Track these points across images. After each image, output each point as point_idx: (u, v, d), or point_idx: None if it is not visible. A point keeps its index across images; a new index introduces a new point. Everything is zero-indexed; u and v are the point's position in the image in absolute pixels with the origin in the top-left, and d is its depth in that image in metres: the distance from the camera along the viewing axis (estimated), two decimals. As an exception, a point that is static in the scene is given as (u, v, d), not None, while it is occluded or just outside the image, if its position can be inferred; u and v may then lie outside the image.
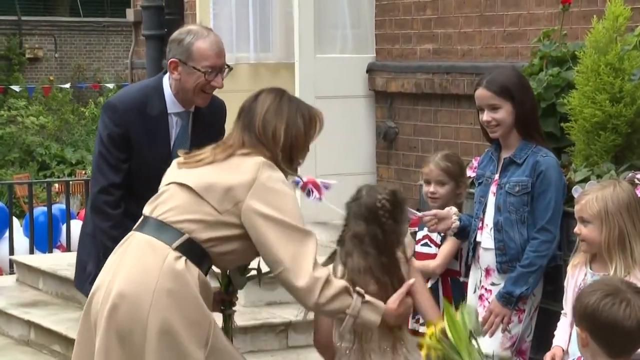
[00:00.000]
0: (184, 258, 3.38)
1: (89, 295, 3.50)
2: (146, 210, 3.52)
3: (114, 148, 4.10)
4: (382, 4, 7.23)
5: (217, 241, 3.42)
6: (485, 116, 4.16)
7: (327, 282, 3.37)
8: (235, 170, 3.43)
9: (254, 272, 3.81)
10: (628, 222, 3.56)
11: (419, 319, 4.49)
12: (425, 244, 4.54)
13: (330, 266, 3.55)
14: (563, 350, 3.65)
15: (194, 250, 3.40)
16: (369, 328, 3.48)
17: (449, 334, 3.09)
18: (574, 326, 2.93)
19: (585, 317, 2.75)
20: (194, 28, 4.17)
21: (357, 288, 3.42)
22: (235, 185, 3.40)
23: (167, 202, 3.46)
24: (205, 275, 3.47)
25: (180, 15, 8.59)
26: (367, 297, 3.43)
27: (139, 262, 3.40)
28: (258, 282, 3.84)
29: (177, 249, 3.39)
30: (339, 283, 3.41)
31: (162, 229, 3.42)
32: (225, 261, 3.52)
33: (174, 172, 3.56)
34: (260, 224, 3.37)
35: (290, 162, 3.55)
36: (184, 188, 3.45)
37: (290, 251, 3.36)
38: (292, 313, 6.03)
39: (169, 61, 4.12)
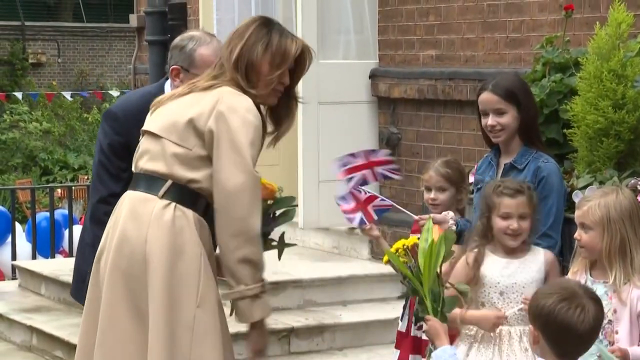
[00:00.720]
0: (173, 205, 3.38)
1: (94, 264, 3.53)
2: (133, 167, 3.56)
3: (114, 157, 4.07)
4: (385, 10, 7.24)
5: (200, 181, 3.39)
6: (491, 120, 4.15)
7: (257, 240, 3.34)
8: (197, 103, 3.42)
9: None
10: (630, 230, 3.55)
11: (421, 326, 4.49)
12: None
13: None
14: None
15: (181, 194, 3.39)
16: (245, 317, 3.41)
17: (419, 256, 3.17)
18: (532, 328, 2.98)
19: (540, 318, 2.83)
20: (196, 34, 4.16)
21: (265, 283, 3.39)
22: (195, 117, 3.39)
23: (145, 153, 3.48)
24: (205, 214, 3.42)
25: (184, 21, 8.60)
26: (265, 296, 3.39)
27: (133, 217, 3.43)
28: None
29: (164, 196, 3.39)
30: (261, 251, 3.38)
31: (148, 181, 3.44)
32: None
33: (148, 118, 3.59)
34: (216, 149, 3.35)
35: (251, 84, 3.46)
36: (151, 135, 3.48)
37: (235, 179, 3.33)
38: (294, 319, 6.03)
39: (171, 68, 4.10)
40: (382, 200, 4.25)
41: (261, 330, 3.45)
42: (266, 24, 3.53)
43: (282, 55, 3.49)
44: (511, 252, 3.86)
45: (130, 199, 3.47)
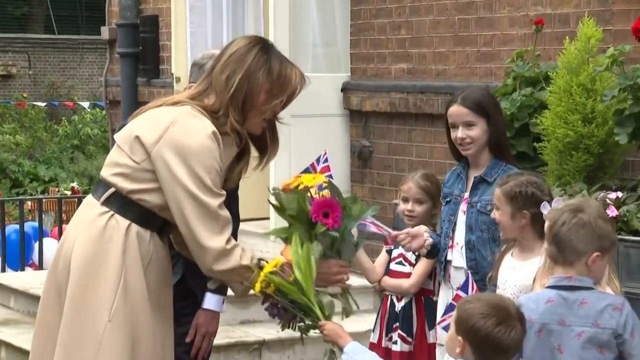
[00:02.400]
0: (110, 213, 3.33)
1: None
2: None
3: None
4: (357, 24, 7.27)
5: (142, 193, 3.31)
6: (460, 133, 4.17)
7: (227, 252, 3.26)
8: (154, 120, 3.33)
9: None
10: (600, 242, 3.57)
11: (391, 337, 4.50)
12: (400, 263, 4.55)
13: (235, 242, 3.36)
14: None
15: (121, 204, 3.33)
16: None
17: (295, 270, 3.19)
18: (454, 332, 3.06)
19: (475, 338, 2.97)
20: (217, 52, 4.15)
21: (262, 262, 3.30)
22: (143, 134, 3.30)
23: (107, 159, 3.45)
24: (150, 226, 3.34)
25: (156, 34, 8.59)
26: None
27: (75, 221, 3.43)
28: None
29: (104, 203, 3.35)
30: (235, 260, 3.27)
31: (98, 186, 3.42)
32: (169, 214, 3.34)
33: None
34: (164, 177, 3.25)
35: (242, 116, 3.33)
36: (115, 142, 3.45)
37: (186, 218, 3.25)
38: (266, 332, 6.02)
39: (189, 85, 4.02)
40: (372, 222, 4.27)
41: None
42: (266, 50, 3.38)
43: (282, 85, 3.36)
44: (524, 254, 3.85)
45: (83, 202, 3.47)
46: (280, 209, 3.36)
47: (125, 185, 3.32)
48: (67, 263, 3.36)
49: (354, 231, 3.44)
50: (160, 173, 3.26)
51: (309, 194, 3.35)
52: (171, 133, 3.27)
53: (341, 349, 3.31)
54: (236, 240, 3.40)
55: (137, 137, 3.31)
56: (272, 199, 3.44)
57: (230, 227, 3.29)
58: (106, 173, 3.39)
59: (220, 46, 8.38)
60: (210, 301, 4.03)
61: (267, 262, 3.31)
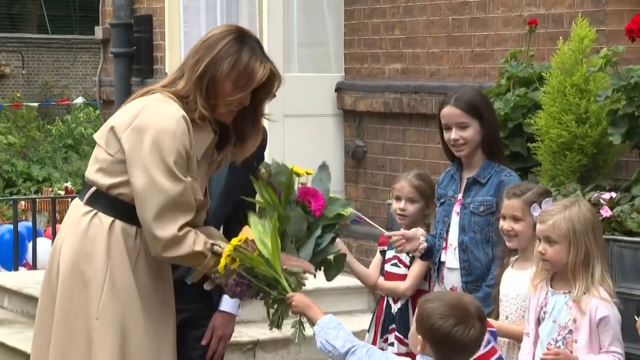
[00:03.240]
0: (93, 212, 3.32)
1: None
2: None
3: None
4: (351, 24, 7.27)
5: (119, 186, 3.30)
6: (454, 134, 4.16)
7: (178, 240, 3.23)
8: (127, 110, 3.34)
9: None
10: (593, 241, 3.58)
11: (387, 338, 4.50)
12: (395, 264, 4.54)
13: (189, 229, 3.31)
14: None
15: (102, 201, 3.32)
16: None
17: (259, 245, 3.18)
18: (415, 330, 3.08)
19: (434, 337, 3.00)
20: None
21: (215, 247, 3.27)
22: (117, 124, 3.31)
23: (90, 159, 3.45)
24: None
25: (150, 33, 8.58)
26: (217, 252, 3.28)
27: (65, 222, 3.43)
28: (326, 276, 3.51)
29: (87, 203, 3.35)
30: (188, 246, 3.23)
31: (85, 186, 3.43)
32: None
33: None
34: (128, 157, 3.25)
35: (208, 102, 3.31)
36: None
37: (145, 200, 3.23)
38: (259, 332, 6.01)
39: None
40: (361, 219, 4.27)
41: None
42: (240, 40, 3.35)
43: (247, 78, 3.33)
44: (525, 263, 3.86)
45: (71, 204, 3.48)
46: (262, 186, 3.34)
47: (104, 181, 3.32)
48: (57, 265, 3.37)
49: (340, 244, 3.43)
50: (126, 155, 3.26)
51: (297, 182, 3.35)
52: (139, 119, 3.27)
53: (312, 323, 3.26)
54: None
55: (112, 128, 3.32)
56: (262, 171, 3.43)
57: (188, 214, 3.25)
58: (89, 172, 3.40)
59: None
60: (227, 304, 4.00)
61: (220, 246, 3.28)
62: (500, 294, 3.90)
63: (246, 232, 3.35)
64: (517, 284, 3.86)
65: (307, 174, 3.42)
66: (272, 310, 3.40)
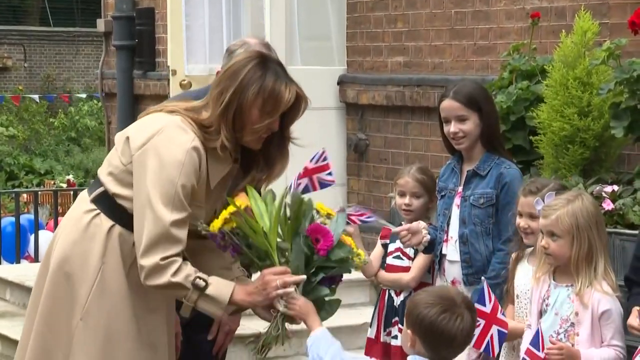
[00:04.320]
0: (96, 211, 3.31)
1: None
2: None
3: None
4: (353, 17, 7.26)
5: (124, 199, 3.29)
6: (453, 127, 4.16)
7: (159, 268, 3.19)
8: (147, 125, 3.31)
9: None
10: (596, 235, 3.58)
11: (390, 331, 4.50)
12: (398, 257, 4.54)
13: (177, 259, 3.26)
14: None
15: (107, 204, 3.31)
16: (214, 315, 3.34)
17: (257, 218, 3.18)
18: (405, 326, 3.07)
19: (421, 327, 2.99)
20: (250, 41, 4.03)
21: (198, 280, 3.20)
22: (133, 137, 3.28)
23: (107, 156, 3.44)
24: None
25: (152, 26, 8.58)
26: (209, 291, 3.21)
27: (68, 214, 3.42)
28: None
29: (93, 201, 3.34)
30: (166, 277, 3.18)
31: (94, 181, 3.41)
32: None
33: None
34: (135, 181, 3.23)
35: (234, 133, 3.25)
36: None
37: (140, 224, 3.21)
38: (261, 325, 6.01)
39: (217, 71, 3.89)
40: (369, 216, 4.26)
41: (240, 296, 3.29)
42: (262, 65, 3.29)
43: (274, 103, 3.26)
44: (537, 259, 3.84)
45: (79, 196, 3.47)
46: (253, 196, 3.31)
47: (112, 187, 3.31)
48: (50, 256, 3.37)
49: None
50: (134, 176, 3.26)
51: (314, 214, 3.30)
52: (154, 141, 3.25)
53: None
54: None
55: (127, 139, 3.31)
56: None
57: (177, 246, 3.21)
58: (101, 171, 3.39)
59: (217, 39, 8.34)
60: None
61: (203, 279, 3.23)
62: (517, 290, 3.89)
63: (243, 199, 3.29)
64: (521, 278, 3.86)
65: (329, 215, 3.34)
66: (272, 331, 3.35)
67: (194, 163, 3.23)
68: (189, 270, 3.22)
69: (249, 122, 3.27)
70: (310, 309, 3.26)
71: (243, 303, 3.29)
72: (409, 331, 3.03)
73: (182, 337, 3.66)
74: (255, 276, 3.40)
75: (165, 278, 3.19)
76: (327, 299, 3.34)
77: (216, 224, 3.26)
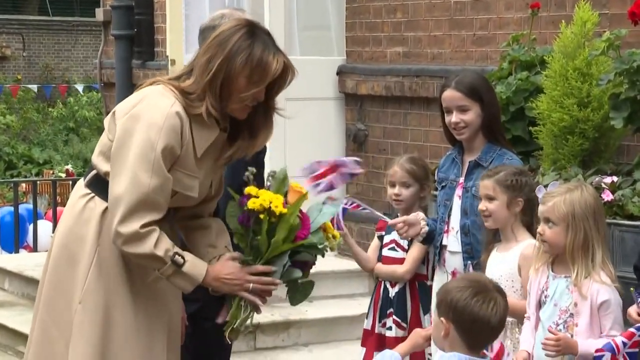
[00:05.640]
0: (90, 195, 3.31)
1: None
2: None
3: None
4: (352, 7, 7.24)
5: None
6: (454, 117, 4.16)
7: (139, 237, 3.17)
8: (130, 98, 3.31)
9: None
10: (593, 226, 3.58)
11: (385, 322, 4.50)
12: (392, 249, 4.55)
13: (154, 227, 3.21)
14: (529, 354, 3.67)
15: (100, 186, 3.30)
16: (182, 289, 3.33)
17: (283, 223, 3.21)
18: (437, 317, 3.05)
19: (456, 311, 2.97)
20: (225, 12, 4.01)
21: (177, 257, 3.20)
22: (118, 110, 3.29)
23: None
24: None
25: (150, 16, 8.56)
26: (185, 268, 3.21)
27: (68, 202, 3.43)
28: (290, 299, 3.41)
29: (87, 185, 3.34)
30: (148, 247, 3.17)
31: (88, 168, 3.41)
32: None
33: None
34: (115, 145, 3.22)
35: (220, 101, 3.24)
36: None
37: (118, 188, 3.19)
38: (260, 315, 6.02)
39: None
40: (364, 208, 4.26)
41: (211, 277, 3.28)
42: (251, 34, 3.27)
43: (261, 72, 3.25)
44: (507, 244, 3.91)
45: (76, 184, 3.48)
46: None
47: (102, 166, 3.31)
48: (52, 245, 3.40)
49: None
50: (115, 141, 3.24)
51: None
52: (136, 109, 3.25)
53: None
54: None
55: (113, 113, 3.31)
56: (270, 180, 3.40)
57: (156, 213, 3.20)
58: (93, 155, 3.39)
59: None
60: None
61: (182, 256, 3.22)
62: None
63: (292, 196, 3.29)
64: (501, 266, 3.89)
65: (301, 192, 3.33)
66: (241, 314, 3.35)
67: (175, 127, 3.21)
68: (167, 243, 3.22)
69: (235, 91, 3.26)
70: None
71: (209, 285, 3.29)
72: (442, 319, 3.00)
73: (187, 322, 3.65)
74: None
75: (146, 248, 3.18)
76: (300, 281, 3.35)
77: (265, 201, 3.22)
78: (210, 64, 3.25)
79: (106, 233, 3.28)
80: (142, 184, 3.17)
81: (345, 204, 4.33)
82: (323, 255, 3.37)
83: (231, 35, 3.27)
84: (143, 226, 3.18)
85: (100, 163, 3.32)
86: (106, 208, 3.28)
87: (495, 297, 2.99)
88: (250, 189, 3.29)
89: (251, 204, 3.25)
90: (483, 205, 3.92)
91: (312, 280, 3.39)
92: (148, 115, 3.21)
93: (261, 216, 3.26)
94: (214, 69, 3.24)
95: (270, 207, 3.25)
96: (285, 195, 3.33)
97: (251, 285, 3.28)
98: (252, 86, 3.26)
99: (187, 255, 3.25)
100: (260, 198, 3.26)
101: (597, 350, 3.34)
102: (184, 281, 3.25)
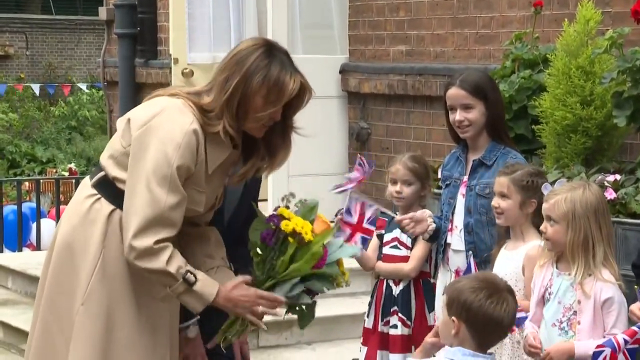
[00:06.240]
0: (97, 196, 3.31)
1: None
2: None
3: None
4: (355, 5, 7.24)
5: (124, 183, 3.26)
6: (458, 115, 4.16)
7: (153, 252, 3.16)
8: (148, 107, 3.30)
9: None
10: (594, 226, 3.58)
11: (388, 321, 4.50)
12: (395, 247, 4.54)
13: (168, 244, 3.21)
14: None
15: (108, 189, 3.30)
16: (192, 309, 3.31)
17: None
18: (446, 316, 3.05)
19: (469, 312, 2.98)
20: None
21: (189, 275, 3.18)
22: (135, 118, 3.27)
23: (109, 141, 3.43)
24: None
25: (153, 15, 8.57)
26: (197, 287, 3.19)
27: (71, 200, 3.42)
28: (299, 323, 3.42)
29: (94, 186, 3.34)
30: (160, 263, 3.16)
31: (95, 168, 3.41)
32: None
33: None
34: (131, 160, 3.22)
35: (237, 120, 3.25)
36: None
37: (133, 203, 3.19)
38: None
39: None
40: (370, 205, 4.28)
41: (222, 298, 3.26)
42: (269, 54, 3.28)
43: (278, 92, 3.26)
44: (516, 243, 3.92)
45: (81, 182, 3.47)
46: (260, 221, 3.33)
47: (112, 170, 3.31)
48: (54, 243, 3.38)
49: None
50: (131, 154, 3.24)
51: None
52: (154, 122, 3.24)
53: None
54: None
55: (129, 120, 3.30)
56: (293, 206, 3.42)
57: (170, 229, 3.20)
58: (102, 155, 3.39)
59: (221, 27, 8.30)
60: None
61: (195, 276, 3.21)
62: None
63: (318, 227, 3.32)
64: (508, 264, 3.89)
65: (326, 225, 3.36)
66: (237, 326, 3.35)
67: (191, 145, 3.22)
68: (180, 261, 3.21)
69: (252, 110, 3.26)
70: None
71: (220, 305, 3.28)
72: (453, 319, 3.00)
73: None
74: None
75: (158, 264, 3.18)
76: (304, 305, 3.37)
77: (297, 226, 3.25)
78: (227, 83, 3.25)
79: (111, 236, 3.28)
80: (158, 200, 3.17)
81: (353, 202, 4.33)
82: (329, 289, 3.38)
83: (249, 54, 3.28)
84: (157, 242, 3.17)
85: (109, 167, 3.32)
86: (112, 211, 3.29)
87: (506, 297, 3.01)
88: (283, 211, 3.31)
89: (284, 225, 3.27)
90: (496, 202, 3.93)
91: (314, 301, 3.40)
92: (167, 130, 3.21)
93: (290, 239, 3.27)
94: (231, 88, 3.24)
95: (301, 233, 3.26)
96: (311, 223, 3.35)
97: (260, 308, 3.27)
98: (269, 106, 3.27)
99: (199, 274, 3.23)
100: (292, 222, 3.27)
101: (597, 346, 3.35)
102: (194, 300, 3.23)
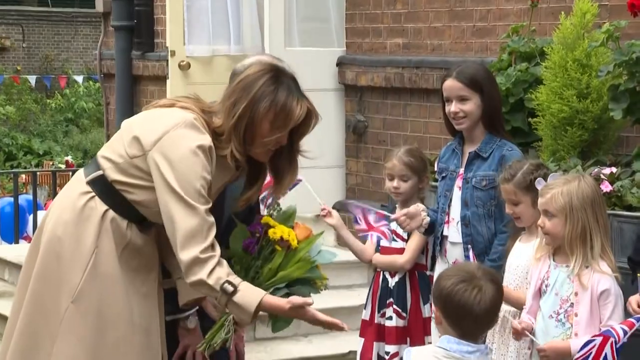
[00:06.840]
0: (91, 194, 3.30)
1: None
2: None
3: None
4: (352, -2, 7.24)
5: (128, 186, 3.28)
6: (454, 107, 4.17)
7: (199, 262, 3.17)
8: (159, 119, 3.30)
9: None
10: (591, 217, 3.60)
11: (384, 312, 4.51)
12: (392, 239, 4.55)
13: (211, 254, 3.21)
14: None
15: (104, 188, 3.30)
16: (241, 321, 3.33)
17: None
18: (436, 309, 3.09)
19: (440, 299, 3.01)
20: (263, 58, 4.03)
21: (226, 285, 3.17)
22: (143, 134, 3.26)
23: (111, 138, 3.42)
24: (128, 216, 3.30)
25: (150, 7, 8.56)
26: (236, 297, 3.18)
27: (62, 192, 3.41)
28: (272, 326, 3.46)
29: (89, 182, 3.33)
30: (203, 274, 3.16)
31: (92, 161, 3.40)
32: (147, 213, 3.32)
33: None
34: (157, 179, 3.22)
35: (244, 145, 3.28)
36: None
37: (172, 221, 3.20)
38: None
39: None
40: (369, 210, 4.32)
41: (280, 311, 3.30)
42: (276, 79, 3.32)
43: (285, 118, 3.28)
44: (530, 237, 3.92)
45: (75, 175, 3.45)
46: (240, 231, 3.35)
47: (112, 173, 3.30)
48: (42, 233, 3.36)
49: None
50: (154, 176, 3.25)
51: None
52: (168, 138, 3.24)
53: None
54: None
55: (136, 137, 3.28)
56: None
57: (212, 232, 3.21)
58: (101, 153, 3.37)
59: (219, 20, 8.26)
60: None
61: (235, 286, 3.19)
62: (506, 265, 3.95)
63: (301, 233, 3.33)
64: (520, 256, 3.90)
65: (308, 231, 3.39)
66: (222, 333, 3.35)
67: (207, 161, 3.24)
68: (221, 272, 3.19)
69: (258, 135, 3.29)
70: None
71: (270, 311, 3.30)
72: (435, 307, 3.05)
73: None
74: None
75: (200, 275, 3.17)
76: None
77: (284, 233, 3.28)
78: (235, 107, 3.28)
79: (104, 235, 3.28)
80: (195, 210, 3.17)
81: (356, 213, 4.37)
82: (314, 294, 3.41)
83: (256, 80, 3.30)
84: (203, 251, 3.17)
85: (109, 169, 3.31)
86: (106, 210, 3.29)
87: (481, 285, 2.98)
88: (268, 219, 3.34)
89: (272, 234, 3.29)
90: (510, 209, 3.92)
91: None
92: (189, 145, 3.21)
93: (278, 247, 3.29)
94: (238, 112, 3.27)
95: (288, 240, 3.28)
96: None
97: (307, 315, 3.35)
98: (276, 131, 3.29)
99: (242, 285, 3.20)
100: (279, 230, 3.29)
101: (594, 335, 3.35)
102: (237, 310, 3.21)
